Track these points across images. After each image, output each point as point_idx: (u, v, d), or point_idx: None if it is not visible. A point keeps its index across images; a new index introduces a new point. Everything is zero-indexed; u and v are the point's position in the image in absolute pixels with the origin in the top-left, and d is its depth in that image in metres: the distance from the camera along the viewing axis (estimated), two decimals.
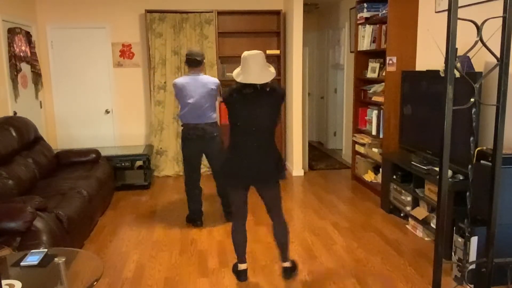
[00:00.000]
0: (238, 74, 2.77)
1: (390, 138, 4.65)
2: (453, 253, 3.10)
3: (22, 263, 2.31)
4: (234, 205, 2.98)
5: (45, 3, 5.93)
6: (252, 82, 2.71)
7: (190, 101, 3.95)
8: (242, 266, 3.09)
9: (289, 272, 3.10)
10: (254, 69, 2.71)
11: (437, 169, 3.53)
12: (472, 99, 2.16)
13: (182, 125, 4.07)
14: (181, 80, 3.99)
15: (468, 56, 3.31)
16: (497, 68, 2.13)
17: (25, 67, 5.37)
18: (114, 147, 6.10)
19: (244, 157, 2.81)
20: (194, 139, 3.98)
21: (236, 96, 2.78)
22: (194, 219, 4.19)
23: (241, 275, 3.10)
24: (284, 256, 3.08)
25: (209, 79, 4.02)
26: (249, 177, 2.85)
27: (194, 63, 3.97)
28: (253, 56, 2.72)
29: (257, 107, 2.75)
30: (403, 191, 4.12)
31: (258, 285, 3.05)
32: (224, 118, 6.18)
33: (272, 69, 2.81)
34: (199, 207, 4.20)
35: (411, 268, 3.26)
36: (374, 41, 5.04)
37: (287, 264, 3.09)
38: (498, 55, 2.11)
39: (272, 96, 2.79)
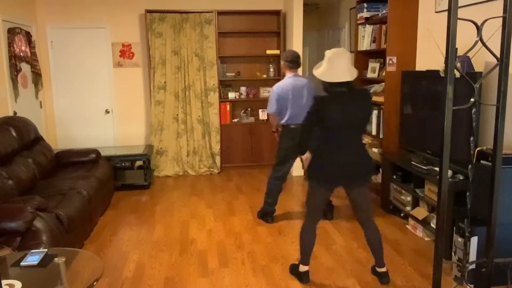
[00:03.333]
0: (324, 73, 2.72)
1: (390, 138, 4.65)
2: (453, 253, 3.10)
3: (22, 263, 2.31)
4: (315, 205, 2.96)
5: (45, 3, 5.93)
6: (346, 80, 2.67)
7: (295, 103, 3.98)
8: (305, 268, 3.05)
9: (387, 277, 3.02)
10: (343, 67, 2.67)
11: (437, 169, 3.53)
12: (472, 99, 2.16)
13: (283, 126, 4.10)
14: (286, 83, 4.02)
15: (468, 56, 3.31)
16: (497, 68, 2.12)
17: (25, 67, 5.37)
18: (114, 147, 6.10)
19: (340, 157, 2.79)
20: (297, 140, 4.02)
21: (328, 97, 2.75)
22: (268, 214, 4.25)
23: (304, 277, 3.05)
24: (380, 262, 3.01)
25: (305, 80, 4.07)
26: (344, 177, 2.84)
27: (297, 64, 4.04)
28: (340, 53, 2.70)
29: (351, 106, 2.73)
30: (403, 191, 4.12)
31: (258, 285, 3.05)
32: (224, 118, 6.20)
33: (354, 68, 2.77)
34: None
35: (411, 268, 3.26)
36: (374, 41, 5.04)
37: (384, 269, 3.02)
38: (498, 55, 2.11)
39: (362, 94, 2.79)
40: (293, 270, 3.16)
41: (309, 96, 4.01)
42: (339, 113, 2.72)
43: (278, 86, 4.04)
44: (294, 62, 4.02)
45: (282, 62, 4.12)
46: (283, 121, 4.09)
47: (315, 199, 2.95)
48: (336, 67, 2.69)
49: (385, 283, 3.01)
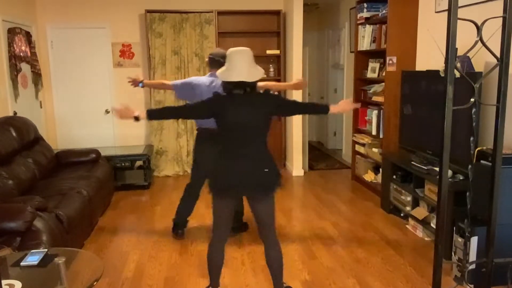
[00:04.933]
0: (223, 73, 2.50)
1: (390, 138, 4.65)
2: (453, 253, 3.10)
3: (22, 263, 2.31)
4: (218, 219, 2.64)
5: (45, 3, 5.93)
6: (242, 80, 2.45)
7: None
8: None
9: None
10: (242, 66, 2.45)
11: (437, 169, 3.53)
12: (472, 99, 2.16)
13: (197, 129, 3.83)
14: (202, 78, 3.73)
15: (468, 56, 3.31)
16: (497, 68, 2.13)
17: (25, 67, 5.37)
18: (114, 147, 6.10)
19: (237, 165, 2.53)
20: (208, 144, 3.70)
21: (226, 97, 2.52)
22: (178, 225, 3.95)
23: None
24: (279, 284, 2.75)
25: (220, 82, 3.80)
26: (244, 186, 2.54)
27: (217, 64, 3.69)
28: (240, 52, 2.47)
29: (251, 109, 2.49)
30: (403, 191, 4.12)
31: (258, 285, 3.05)
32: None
33: (260, 68, 2.56)
34: (189, 215, 3.98)
35: (411, 268, 3.26)
36: (374, 41, 5.04)
37: None
38: (498, 55, 2.11)
39: (264, 98, 2.55)
40: None
41: None
42: (234, 116, 2.47)
43: (192, 79, 3.75)
44: (213, 61, 3.69)
45: (207, 58, 3.83)
46: (197, 125, 3.83)
47: (217, 212, 2.64)
48: (234, 66, 2.45)
49: None
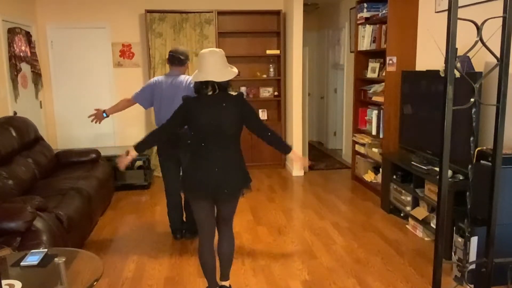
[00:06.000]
0: (195, 75, 2.53)
1: (390, 138, 4.65)
2: (453, 253, 3.10)
3: (22, 263, 2.31)
4: (201, 221, 2.65)
5: (45, 3, 5.93)
6: (212, 79, 2.46)
7: (164, 103, 3.60)
8: None
9: None
10: (213, 66, 2.46)
11: (437, 169, 3.53)
12: (472, 99, 2.16)
13: None
14: (160, 78, 3.69)
15: (468, 56, 3.31)
16: (497, 68, 2.12)
17: (25, 67, 5.37)
18: (114, 147, 6.10)
19: (209, 166, 2.52)
20: (168, 145, 3.63)
21: (195, 99, 2.53)
22: (176, 230, 3.91)
23: None
24: (225, 274, 2.87)
25: (182, 82, 3.63)
26: (216, 188, 2.54)
27: (176, 62, 3.67)
28: (211, 53, 2.48)
29: (219, 110, 2.49)
30: (403, 191, 4.12)
31: (258, 285, 3.05)
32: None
33: (234, 69, 2.56)
34: (181, 217, 3.94)
35: (411, 268, 3.26)
36: (374, 41, 5.04)
37: (227, 283, 2.87)
38: (498, 55, 2.10)
39: (235, 99, 2.55)
40: None
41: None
42: (204, 117, 2.47)
43: (154, 78, 3.75)
44: (173, 58, 3.64)
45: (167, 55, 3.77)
46: (156, 121, 3.79)
47: (197, 214, 2.64)
48: (204, 67, 2.47)
49: None
